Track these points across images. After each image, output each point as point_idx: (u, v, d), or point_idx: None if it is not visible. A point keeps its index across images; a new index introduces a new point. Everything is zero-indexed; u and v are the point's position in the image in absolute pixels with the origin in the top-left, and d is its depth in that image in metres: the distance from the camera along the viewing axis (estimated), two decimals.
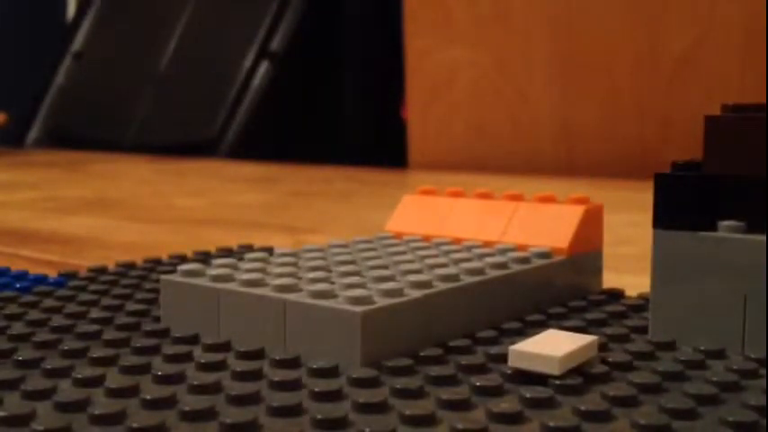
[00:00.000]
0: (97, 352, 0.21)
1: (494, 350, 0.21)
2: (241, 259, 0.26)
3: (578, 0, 0.85)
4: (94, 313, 0.25)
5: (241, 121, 1.20)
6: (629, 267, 0.31)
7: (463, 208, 0.29)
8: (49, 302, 0.26)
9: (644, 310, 0.25)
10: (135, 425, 0.16)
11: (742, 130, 0.21)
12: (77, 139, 1.37)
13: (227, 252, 0.36)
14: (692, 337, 0.22)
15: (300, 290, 0.22)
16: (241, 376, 0.19)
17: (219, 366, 0.20)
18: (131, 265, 0.33)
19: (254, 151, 1.13)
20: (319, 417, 0.17)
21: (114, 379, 0.19)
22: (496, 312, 0.24)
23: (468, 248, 0.27)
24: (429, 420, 0.17)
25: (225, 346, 0.22)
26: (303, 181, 0.84)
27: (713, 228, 0.21)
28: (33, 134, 1.47)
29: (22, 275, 0.31)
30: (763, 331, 0.21)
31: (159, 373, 0.19)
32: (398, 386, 0.18)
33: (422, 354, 0.21)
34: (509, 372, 0.19)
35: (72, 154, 1.28)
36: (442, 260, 0.25)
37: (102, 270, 0.32)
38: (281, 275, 0.23)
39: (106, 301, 0.27)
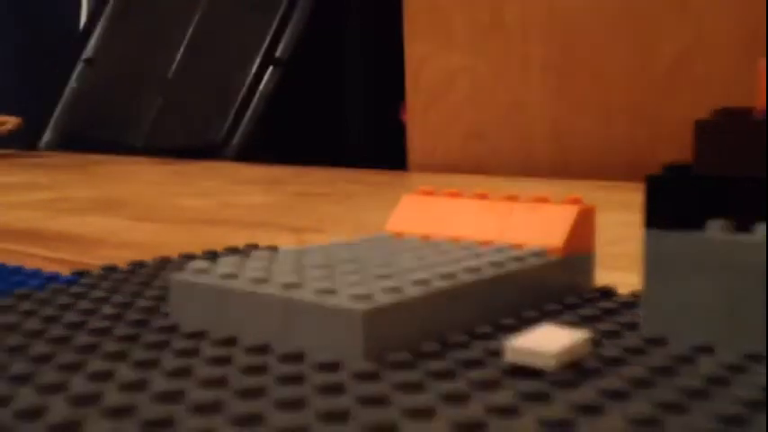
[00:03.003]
0: (108, 347, 0.22)
1: (490, 345, 0.21)
2: (247, 258, 0.26)
3: (572, 8, 0.85)
4: (106, 310, 0.25)
5: (247, 125, 1.21)
6: (621, 266, 0.32)
7: (461, 208, 0.30)
8: (61, 300, 0.27)
9: (635, 308, 0.25)
10: (145, 417, 0.17)
11: (731, 134, 0.21)
12: (89, 141, 1.38)
13: (233, 251, 0.36)
14: (683, 334, 0.22)
15: (304, 288, 0.22)
16: (247, 370, 0.20)
17: (226, 361, 0.20)
18: (142, 264, 0.33)
19: (259, 154, 1.14)
20: (322, 409, 0.17)
21: (125, 373, 0.20)
22: (493, 309, 0.24)
23: (466, 247, 0.27)
24: (427, 413, 0.17)
25: (231, 342, 0.22)
26: (307, 183, 0.85)
27: (702, 227, 0.22)
28: (46, 137, 1.48)
29: (36, 273, 0.31)
30: (750, 327, 0.21)
31: (168, 368, 0.20)
32: (398, 380, 0.19)
33: (421, 349, 0.21)
34: (505, 366, 0.19)
35: (84, 156, 1.28)
36: (440, 259, 0.26)
37: (113, 268, 0.32)
38: (285, 274, 0.24)
39: (117, 298, 0.27)
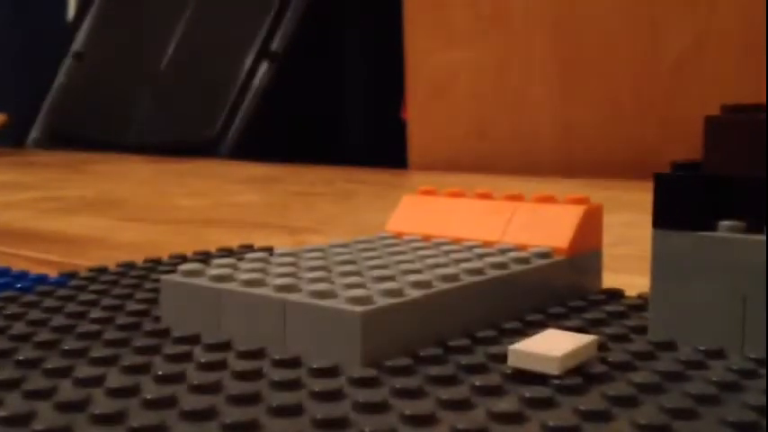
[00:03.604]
0: (98, 352, 0.21)
1: (493, 350, 0.21)
2: (241, 259, 0.26)
3: (577, 2, 0.85)
4: (95, 313, 0.25)
5: (241, 122, 1.21)
6: (628, 267, 0.31)
7: (463, 208, 0.29)
8: (49, 302, 0.26)
9: (643, 310, 0.25)
10: (135, 424, 0.16)
11: (741, 131, 0.21)
12: (78, 139, 1.37)
13: (227, 252, 0.36)
14: (692, 337, 0.22)
15: (301, 290, 0.22)
16: (241, 376, 0.19)
17: (220, 366, 0.20)
18: (132, 265, 0.33)
19: (254, 152, 1.13)
20: (319, 416, 0.17)
21: (115, 379, 0.19)
22: (496, 312, 0.24)
23: (468, 248, 0.27)
24: (429, 420, 0.17)
25: (225, 346, 0.22)
26: (304, 182, 0.84)
27: (713, 228, 0.21)
28: (34, 134, 1.47)
29: (23, 275, 0.31)
30: (762, 331, 0.21)
31: (160, 373, 0.19)
32: (398, 386, 0.18)
33: (421, 353, 0.21)
34: (509, 371, 0.19)
35: (72, 154, 1.28)
36: (441, 260, 0.25)
37: (102, 270, 0.32)
38: (281, 275, 0.23)
39: (107, 300, 0.27)
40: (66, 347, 0.21)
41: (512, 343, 0.20)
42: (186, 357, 0.21)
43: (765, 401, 0.17)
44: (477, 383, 0.18)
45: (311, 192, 0.76)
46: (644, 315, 0.24)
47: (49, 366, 0.20)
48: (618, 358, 0.20)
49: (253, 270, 0.24)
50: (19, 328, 0.24)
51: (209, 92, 1.24)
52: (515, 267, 0.25)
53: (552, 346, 0.19)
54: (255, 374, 0.19)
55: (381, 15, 1.12)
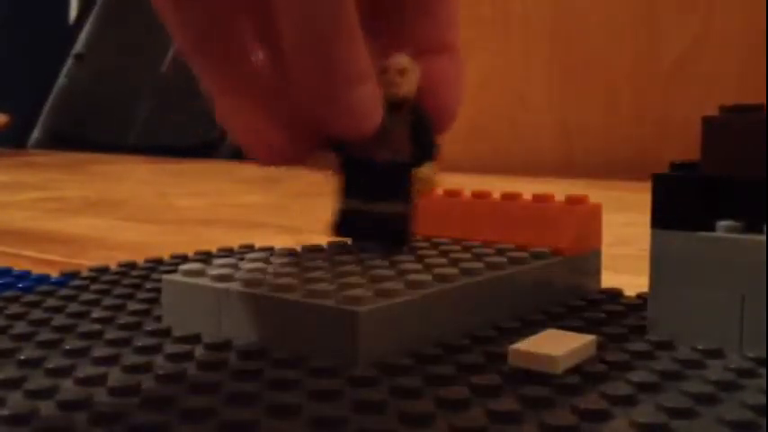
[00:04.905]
0: (99, 351, 0.21)
1: (493, 349, 0.21)
2: (242, 259, 0.26)
3: (577, 3, 0.85)
4: (96, 313, 0.25)
5: None
6: (627, 267, 0.31)
7: (461, 208, 0.29)
8: (51, 302, 0.27)
9: (642, 310, 0.25)
10: (136, 423, 0.16)
11: (739, 131, 0.21)
12: (79, 140, 1.38)
13: (228, 252, 0.36)
14: (690, 337, 0.22)
15: (300, 289, 0.22)
16: (241, 375, 0.19)
17: (220, 365, 0.20)
18: (133, 265, 0.33)
19: None
20: (318, 416, 0.17)
21: (116, 378, 0.19)
22: (495, 312, 0.24)
23: (467, 248, 0.27)
24: (428, 420, 0.17)
25: (225, 346, 0.22)
26: (304, 182, 0.84)
27: (711, 228, 0.21)
28: (35, 135, 1.47)
29: (25, 275, 0.31)
30: (760, 331, 0.21)
31: (160, 372, 0.19)
32: (397, 385, 0.18)
33: (421, 353, 0.21)
34: (508, 371, 0.19)
35: (73, 155, 1.28)
36: (440, 260, 0.25)
37: (103, 270, 0.32)
38: (281, 275, 0.23)
39: (108, 300, 0.27)
40: (68, 347, 0.21)
41: (511, 342, 0.20)
42: (187, 357, 0.21)
43: (763, 400, 0.17)
44: (477, 383, 0.18)
45: (311, 192, 0.76)
46: (642, 315, 0.24)
47: (51, 366, 0.20)
48: (616, 358, 0.20)
49: (253, 270, 0.24)
50: (21, 327, 0.24)
51: None
52: (514, 267, 0.25)
53: (552, 345, 0.19)
54: (255, 374, 0.19)
55: None
